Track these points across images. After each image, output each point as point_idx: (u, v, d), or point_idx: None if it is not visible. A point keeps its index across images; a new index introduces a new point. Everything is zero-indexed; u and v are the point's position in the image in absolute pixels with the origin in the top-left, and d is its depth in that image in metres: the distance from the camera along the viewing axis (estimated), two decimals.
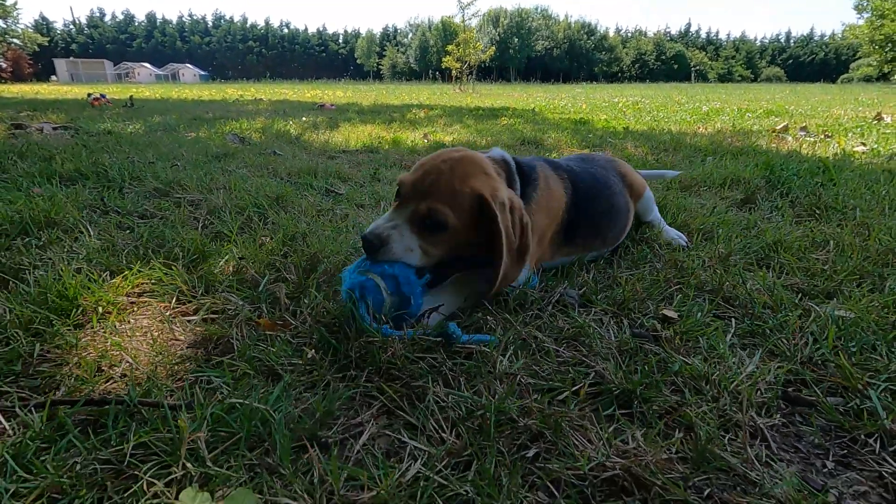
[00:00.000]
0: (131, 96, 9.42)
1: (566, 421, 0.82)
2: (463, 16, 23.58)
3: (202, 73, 78.21)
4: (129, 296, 1.24)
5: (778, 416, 0.88)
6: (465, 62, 23.71)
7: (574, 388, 0.92)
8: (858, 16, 30.32)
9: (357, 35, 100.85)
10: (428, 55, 73.37)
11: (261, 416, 0.80)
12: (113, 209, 1.97)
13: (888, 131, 4.98)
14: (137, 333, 1.09)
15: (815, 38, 79.37)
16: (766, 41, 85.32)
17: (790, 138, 4.63)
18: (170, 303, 1.22)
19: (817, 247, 1.61)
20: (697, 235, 1.75)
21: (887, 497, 0.73)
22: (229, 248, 1.52)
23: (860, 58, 40.49)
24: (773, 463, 0.78)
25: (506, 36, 72.31)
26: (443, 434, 0.81)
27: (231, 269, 1.40)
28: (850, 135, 4.81)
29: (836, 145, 4.11)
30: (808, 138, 4.62)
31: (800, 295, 1.32)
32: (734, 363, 0.99)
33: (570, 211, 1.40)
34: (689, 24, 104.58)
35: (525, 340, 1.08)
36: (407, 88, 24.87)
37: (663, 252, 1.59)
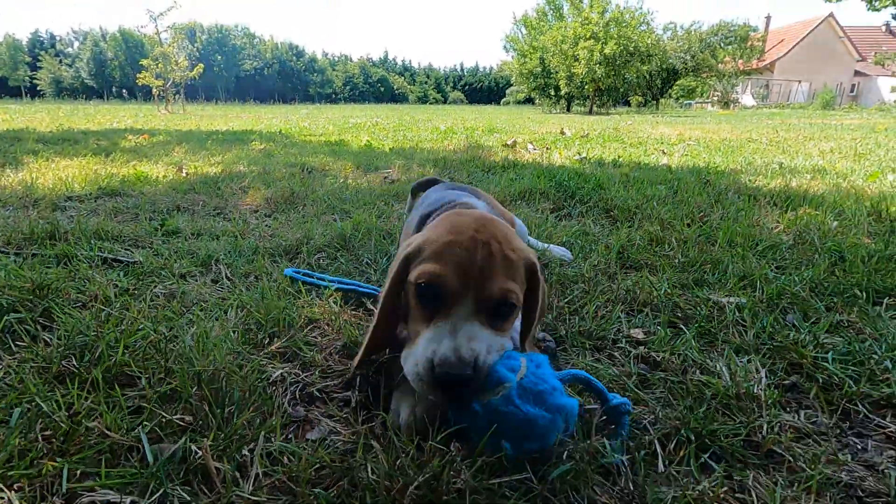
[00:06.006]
0: None
1: None
2: (157, 27, 20.43)
3: None
4: None
5: (799, 411, 0.97)
6: (169, 80, 20.67)
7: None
8: (506, 53, 39.47)
9: None
10: (109, 69, 61.20)
11: None
12: None
13: (579, 142, 6.55)
14: None
15: (481, 70, 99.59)
16: (449, 70, 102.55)
17: (523, 151, 5.59)
18: None
19: (657, 244, 1.92)
20: (574, 249, 1.88)
21: None
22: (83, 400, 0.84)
23: (513, 86, 52.32)
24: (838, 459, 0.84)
25: (207, 52, 66.25)
26: None
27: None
28: (558, 146, 6.11)
29: (558, 155, 5.16)
30: (535, 151, 5.66)
31: (680, 288, 1.54)
32: (739, 373, 1.05)
33: None
34: (387, 53, 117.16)
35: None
36: (92, 109, 20.06)
37: (561, 269, 1.64)
